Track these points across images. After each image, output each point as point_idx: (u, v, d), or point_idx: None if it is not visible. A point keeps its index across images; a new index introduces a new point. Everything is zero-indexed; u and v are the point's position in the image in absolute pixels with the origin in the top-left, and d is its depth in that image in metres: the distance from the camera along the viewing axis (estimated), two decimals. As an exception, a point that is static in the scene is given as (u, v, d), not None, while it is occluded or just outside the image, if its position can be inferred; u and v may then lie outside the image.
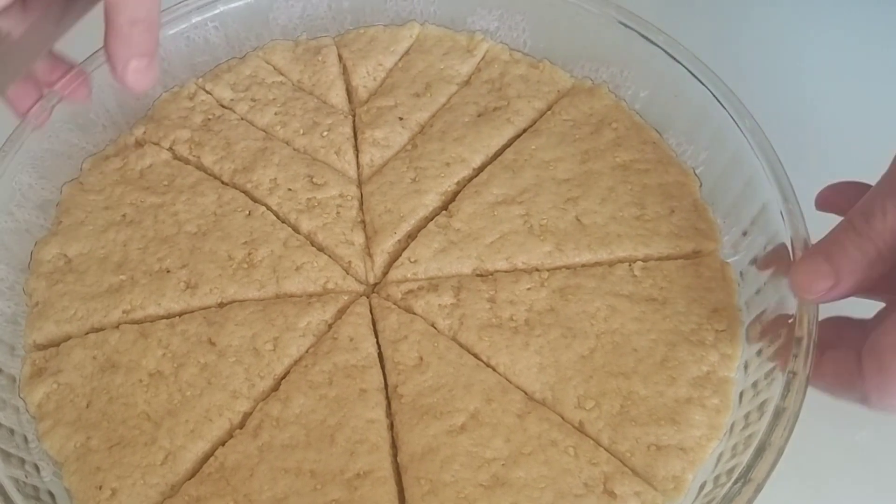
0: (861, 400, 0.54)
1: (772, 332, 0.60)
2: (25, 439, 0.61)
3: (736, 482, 0.53)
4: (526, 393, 0.61)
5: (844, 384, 0.54)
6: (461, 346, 0.64)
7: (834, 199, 0.62)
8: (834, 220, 0.63)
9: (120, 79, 0.62)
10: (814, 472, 0.55)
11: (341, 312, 0.66)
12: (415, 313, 0.66)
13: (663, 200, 0.70)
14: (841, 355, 0.54)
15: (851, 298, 0.56)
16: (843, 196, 0.61)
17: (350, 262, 0.69)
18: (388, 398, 0.62)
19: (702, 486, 0.57)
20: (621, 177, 0.71)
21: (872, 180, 0.56)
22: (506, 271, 0.68)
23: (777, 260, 0.63)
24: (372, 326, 0.66)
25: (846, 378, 0.54)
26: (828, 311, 0.59)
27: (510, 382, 0.62)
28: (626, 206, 0.70)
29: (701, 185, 0.72)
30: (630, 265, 0.67)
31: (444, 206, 0.71)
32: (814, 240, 0.61)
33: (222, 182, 0.74)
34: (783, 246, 0.62)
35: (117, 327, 0.65)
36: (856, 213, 0.54)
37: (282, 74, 0.81)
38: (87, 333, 0.66)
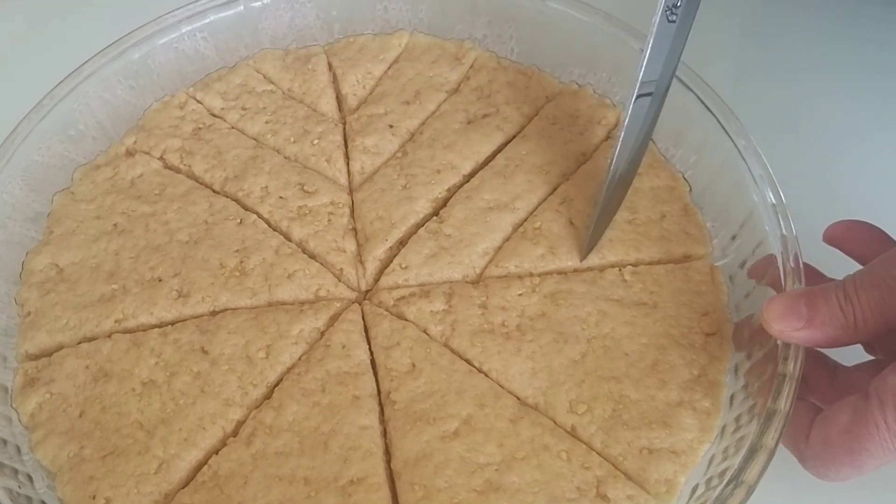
0: (799, 459, 0.56)
1: (761, 336, 0.60)
2: (18, 450, 0.61)
3: (728, 484, 0.54)
4: (518, 398, 0.62)
5: (791, 438, 0.56)
6: (453, 352, 0.64)
7: (843, 237, 0.63)
8: (823, 224, 0.64)
9: None
10: (806, 473, 0.56)
11: (333, 319, 0.67)
12: (407, 320, 0.66)
13: (654, 205, 0.71)
14: (800, 409, 0.56)
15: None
16: (853, 236, 0.62)
17: (342, 269, 0.69)
18: (381, 405, 0.62)
19: (694, 489, 0.57)
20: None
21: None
22: (497, 277, 0.68)
23: (767, 270, 0.63)
24: (364, 333, 0.66)
25: (794, 433, 0.56)
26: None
27: (502, 388, 0.62)
28: (619, 209, 0.70)
29: (691, 190, 0.72)
30: (620, 270, 0.67)
31: (436, 213, 0.72)
32: (803, 240, 0.62)
33: (213, 190, 0.74)
34: (774, 257, 0.63)
35: (109, 336, 0.65)
36: (852, 279, 0.55)
37: (272, 83, 0.82)
38: (79, 343, 0.66)
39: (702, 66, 0.72)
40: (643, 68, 0.62)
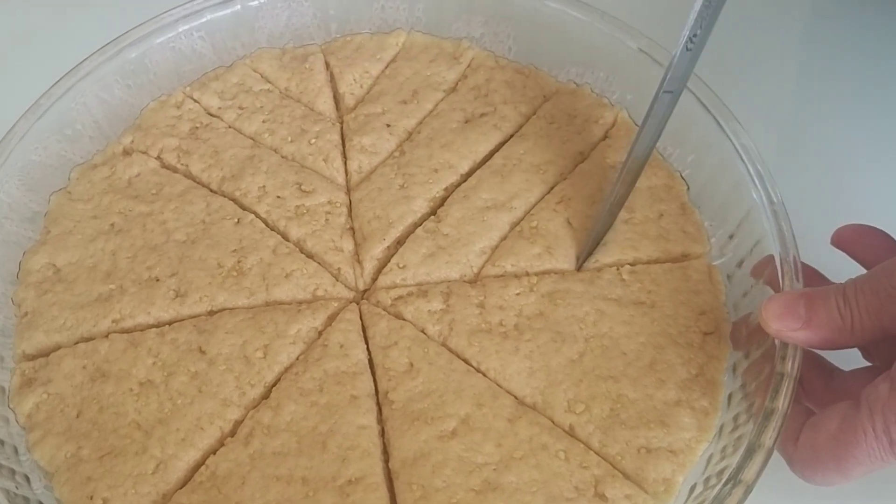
0: (788, 462, 0.56)
1: (759, 336, 0.60)
2: (16, 450, 0.61)
3: (726, 484, 0.54)
4: (516, 397, 0.62)
5: (781, 441, 0.56)
6: (451, 351, 0.64)
7: (851, 241, 0.63)
8: (821, 224, 0.64)
9: None
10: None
11: (331, 319, 0.66)
12: (405, 319, 0.66)
13: (652, 204, 0.71)
14: (792, 411, 0.56)
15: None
16: (861, 240, 0.62)
17: (339, 268, 0.69)
18: (378, 404, 0.62)
19: (692, 489, 0.57)
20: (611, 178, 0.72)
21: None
22: (494, 276, 0.68)
23: (766, 269, 0.63)
24: (362, 333, 0.66)
25: (784, 436, 0.56)
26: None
27: (500, 387, 0.62)
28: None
29: (689, 189, 0.72)
30: (618, 269, 0.67)
31: (433, 212, 0.72)
32: (800, 242, 0.62)
33: (211, 190, 0.74)
34: (773, 258, 0.63)
35: (107, 336, 0.65)
36: (852, 284, 0.55)
37: (269, 82, 0.82)
38: (76, 343, 0.65)
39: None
40: (661, 88, 0.62)
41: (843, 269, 0.60)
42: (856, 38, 0.96)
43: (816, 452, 0.53)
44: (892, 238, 0.61)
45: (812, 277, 0.63)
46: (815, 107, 0.90)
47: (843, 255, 0.63)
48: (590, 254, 0.68)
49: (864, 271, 0.56)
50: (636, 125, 0.76)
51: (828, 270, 0.63)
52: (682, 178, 0.73)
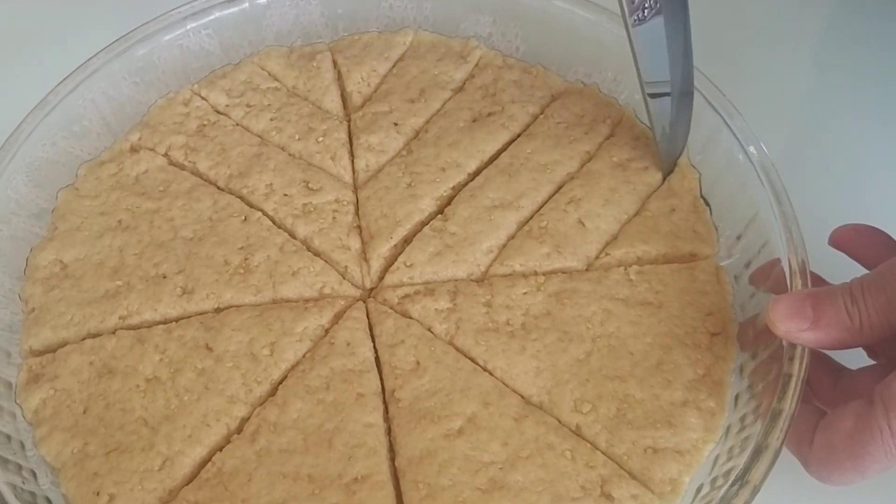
0: (803, 463, 0.56)
1: (766, 337, 0.60)
2: (22, 445, 0.61)
3: (733, 484, 0.54)
4: (523, 397, 0.62)
5: (794, 442, 0.56)
6: (458, 350, 0.64)
7: (849, 241, 0.63)
8: (829, 224, 0.64)
9: None
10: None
11: (338, 317, 0.66)
12: (411, 318, 0.66)
13: (666, 197, 0.71)
14: (804, 412, 0.56)
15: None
16: (859, 240, 0.62)
17: (346, 266, 0.69)
18: (385, 402, 0.62)
19: (699, 489, 0.57)
20: (622, 176, 0.72)
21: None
22: (502, 275, 0.68)
23: (772, 271, 0.63)
24: (369, 331, 0.66)
25: (797, 438, 0.56)
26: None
27: (507, 386, 0.62)
28: (632, 205, 0.71)
29: (700, 176, 0.72)
30: (626, 269, 0.67)
31: (440, 211, 0.72)
32: (808, 242, 0.62)
33: (218, 187, 0.74)
34: (777, 260, 0.63)
35: (114, 333, 0.65)
36: (859, 283, 0.55)
37: (276, 80, 0.82)
38: (83, 339, 0.65)
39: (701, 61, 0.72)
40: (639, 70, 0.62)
41: (844, 269, 0.60)
42: (871, 36, 0.96)
43: (833, 452, 0.53)
44: (889, 236, 0.61)
45: (816, 283, 0.63)
46: (825, 105, 0.90)
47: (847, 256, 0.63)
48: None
49: (866, 272, 0.56)
50: (643, 125, 0.76)
51: (832, 271, 0.63)
52: (694, 166, 0.72)
